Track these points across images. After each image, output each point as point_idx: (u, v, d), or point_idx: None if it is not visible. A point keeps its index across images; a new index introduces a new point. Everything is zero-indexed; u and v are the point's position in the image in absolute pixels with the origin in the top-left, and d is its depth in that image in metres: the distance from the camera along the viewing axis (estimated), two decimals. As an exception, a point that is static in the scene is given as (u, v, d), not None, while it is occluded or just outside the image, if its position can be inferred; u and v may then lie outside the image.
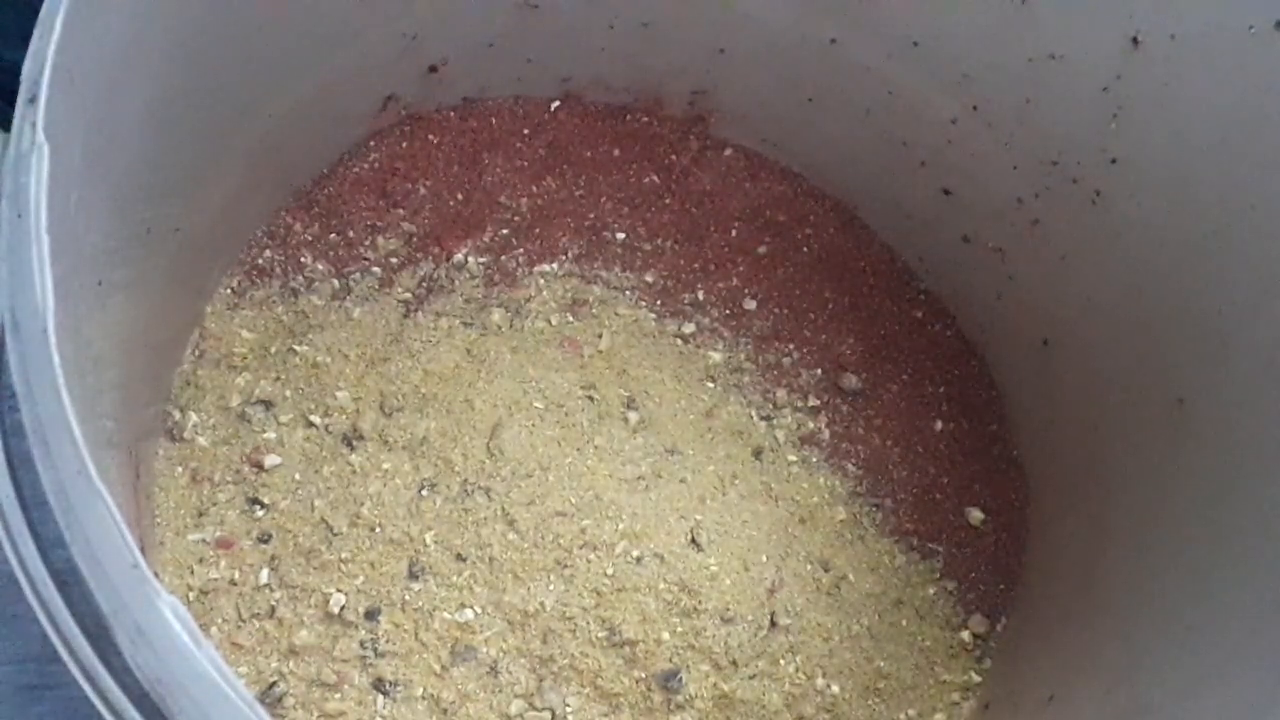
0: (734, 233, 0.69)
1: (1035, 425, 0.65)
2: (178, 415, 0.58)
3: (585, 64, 0.67)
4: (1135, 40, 0.52)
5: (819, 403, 0.66)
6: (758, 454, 0.63)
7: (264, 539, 0.55)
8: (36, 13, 0.37)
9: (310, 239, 0.64)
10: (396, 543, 0.55)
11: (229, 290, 0.62)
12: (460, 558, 0.55)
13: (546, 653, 0.54)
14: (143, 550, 0.30)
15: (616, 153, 0.70)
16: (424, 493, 0.56)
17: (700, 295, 0.67)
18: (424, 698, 0.53)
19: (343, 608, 0.54)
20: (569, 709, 0.54)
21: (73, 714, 0.51)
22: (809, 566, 0.60)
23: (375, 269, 0.64)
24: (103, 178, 0.43)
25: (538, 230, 0.67)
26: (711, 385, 0.65)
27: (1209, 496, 0.51)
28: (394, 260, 0.64)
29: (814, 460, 0.64)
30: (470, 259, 0.65)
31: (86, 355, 0.41)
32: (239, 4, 0.50)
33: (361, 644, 0.53)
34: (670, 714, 0.55)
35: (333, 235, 0.64)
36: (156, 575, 0.29)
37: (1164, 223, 0.55)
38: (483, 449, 0.57)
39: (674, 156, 0.70)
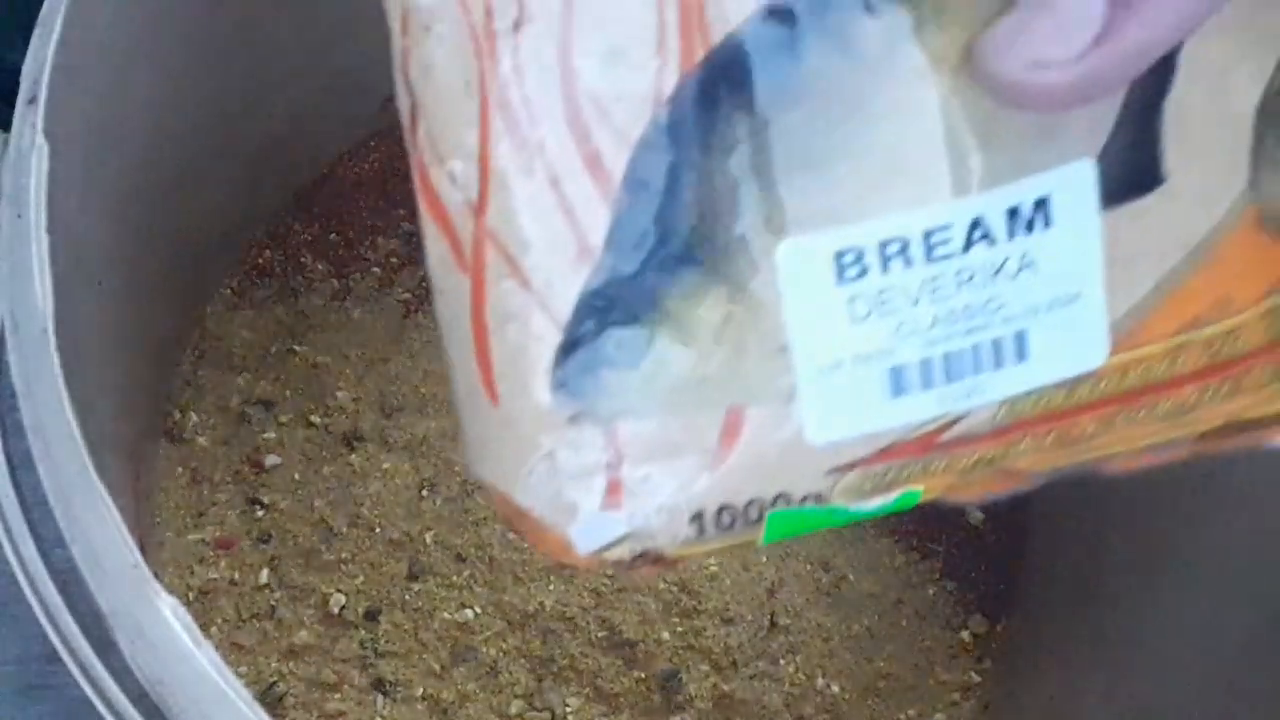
0: (734, 233, 0.69)
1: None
2: (178, 415, 0.58)
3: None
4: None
5: (819, 403, 0.66)
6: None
7: (264, 539, 0.55)
8: (36, 13, 0.37)
9: (310, 239, 0.64)
10: (396, 543, 0.55)
11: (229, 290, 0.62)
12: (460, 558, 0.55)
13: (546, 653, 0.54)
14: (143, 550, 0.30)
15: (616, 153, 0.69)
16: (424, 493, 0.56)
17: (700, 295, 0.67)
18: (424, 698, 0.53)
19: (343, 608, 0.54)
20: (569, 709, 0.54)
21: (73, 714, 0.51)
22: (809, 566, 0.60)
23: (375, 269, 0.64)
24: (103, 178, 0.43)
25: (538, 230, 0.66)
26: (711, 385, 0.65)
27: (1210, 495, 0.51)
28: (394, 260, 0.64)
29: (814, 460, 0.64)
30: (470, 259, 0.65)
31: (86, 355, 0.41)
32: (239, 4, 0.50)
33: (361, 644, 0.53)
34: (670, 714, 0.55)
35: (333, 235, 0.64)
36: (156, 575, 0.29)
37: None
38: (483, 449, 0.57)
39: (674, 156, 0.70)
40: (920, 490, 0.28)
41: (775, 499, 0.27)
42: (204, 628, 0.53)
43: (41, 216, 0.34)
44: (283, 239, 0.63)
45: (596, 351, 0.25)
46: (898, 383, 0.26)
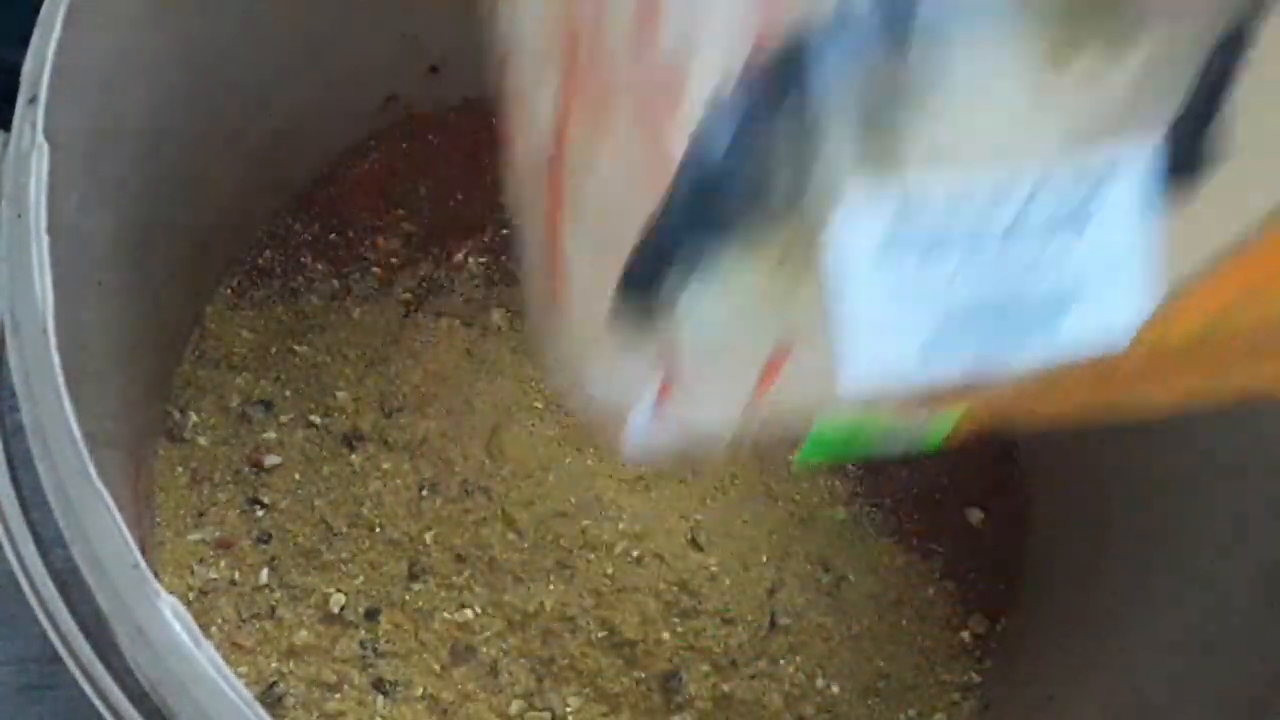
0: (734, 233, 0.69)
1: (1035, 425, 0.65)
2: (178, 415, 0.58)
3: (585, 64, 0.67)
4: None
5: (819, 403, 0.66)
6: (758, 453, 0.63)
7: (264, 539, 0.55)
8: (36, 13, 0.37)
9: (310, 239, 0.64)
10: (396, 543, 0.55)
11: (229, 290, 0.62)
12: (460, 558, 0.55)
13: (546, 653, 0.54)
14: (143, 550, 0.30)
15: (616, 152, 0.69)
16: (424, 493, 0.56)
17: (700, 295, 0.67)
18: (424, 698, 0.53)
19: (343, 608, 0.54)
20: (569, 709, 0.54)
21: (73, 714, 0.51)
22: (809, 566, 0.60)
23: (375, 269, 0.64)
24: (103, 178, 0.43)
25: (538, 230, 0.66)
26: (711, 385, 0.65)
27: (1210, 494, 0.51)
28: (394, 260, 0.64)
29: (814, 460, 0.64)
30: (470, 259, 0.65)
31: (86, 355, 0.41)
32: (239, 4, 0.50)
33: (361, 644, 0.53)
34: (670, 714, 0.55)
35: (333, 235, 0.64)
36: (156, 575, 0.29)
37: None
38: (482, 449, 0.57)
39: (674, 156, 0.70)
40: (958, 413, 0.30)
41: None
42: (204, 628, 0.53)
43: (41, 216, 0.34)
44: (283, 239, 0.63)
45: (675, 264, 0.26)
46: (949, 325, 0.27)
